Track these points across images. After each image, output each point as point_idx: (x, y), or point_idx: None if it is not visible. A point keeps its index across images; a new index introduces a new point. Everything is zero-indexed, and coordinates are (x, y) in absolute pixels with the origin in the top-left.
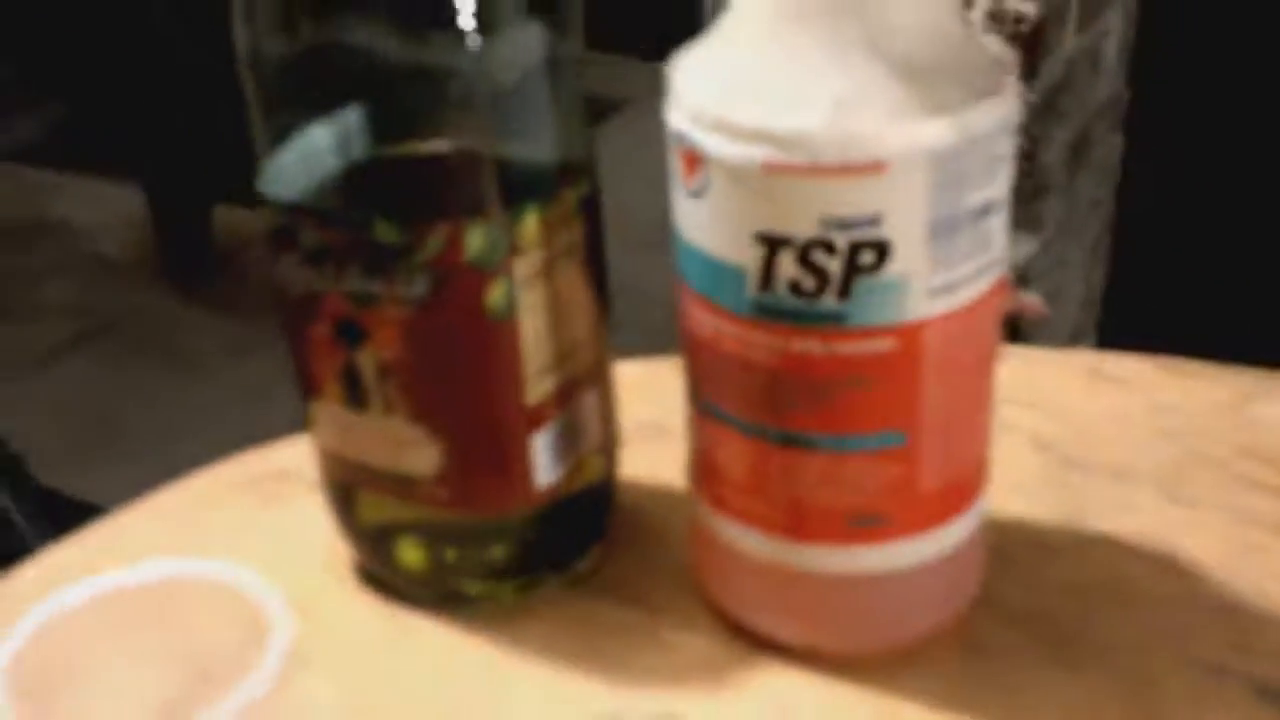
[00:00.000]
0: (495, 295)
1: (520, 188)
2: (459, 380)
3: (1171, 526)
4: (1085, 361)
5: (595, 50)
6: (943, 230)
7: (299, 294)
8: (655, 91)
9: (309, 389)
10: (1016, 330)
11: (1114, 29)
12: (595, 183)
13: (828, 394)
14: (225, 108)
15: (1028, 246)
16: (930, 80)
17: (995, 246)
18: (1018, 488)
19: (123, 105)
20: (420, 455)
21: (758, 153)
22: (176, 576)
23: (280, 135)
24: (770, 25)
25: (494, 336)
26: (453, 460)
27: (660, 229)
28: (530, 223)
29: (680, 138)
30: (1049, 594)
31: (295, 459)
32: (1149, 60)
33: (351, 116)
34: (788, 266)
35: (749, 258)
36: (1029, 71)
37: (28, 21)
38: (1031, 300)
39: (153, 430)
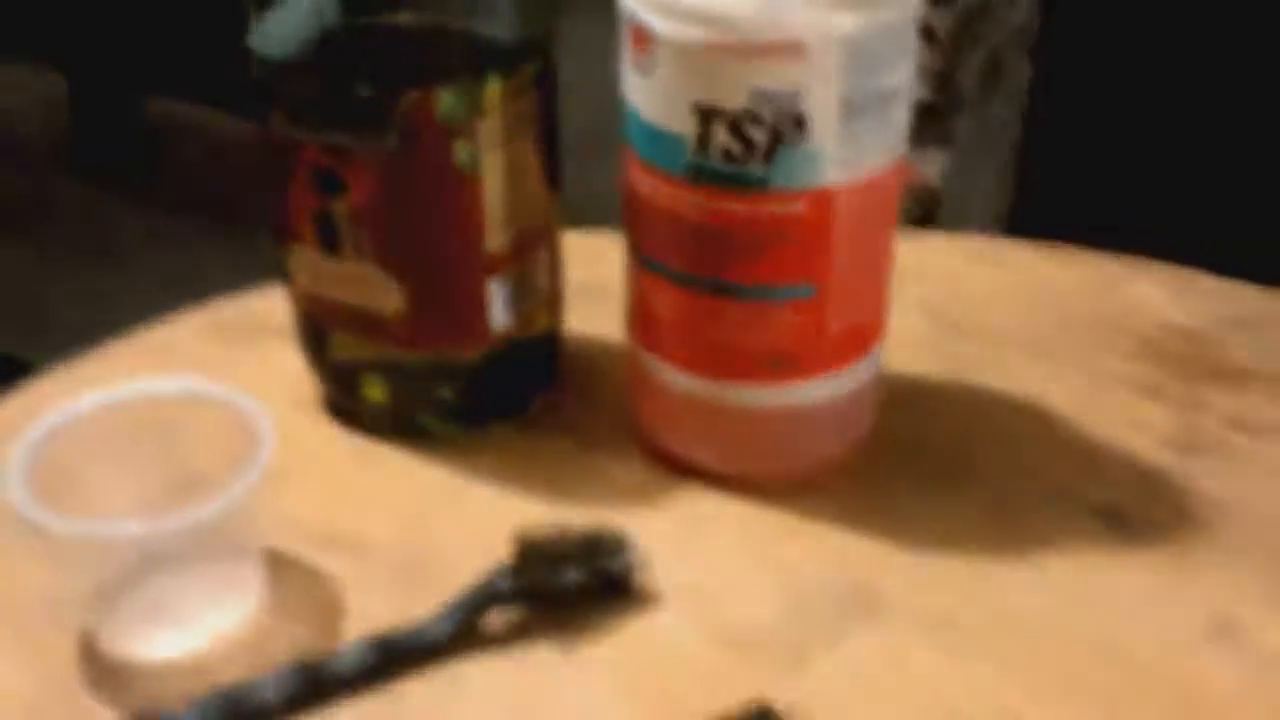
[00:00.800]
0: (462, 151)
1: (486, 59)
2: (426, 227)
3: (1037, 381)
4: (974, 245)
5: None
6: (853, 108)
7: (282, 146)
8: (585, 12)
9: (287, 235)
10: (927, 217)
11: None
12: (552, 61)
13: (751, 249)
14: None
15: (940, 162)
16: None
17: (897, 128)
18: (908, 347)
19: None
20: (387, 297)
21: (700, 33)
22: (173, 392)
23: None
24: None
25: (460, 188)
26: (416, 301)
27: (589, 143)
28: (493, 90)
29: (632, 17)
30: (930, 434)
31: (262, 308)
32: None
33: None
34: (720, 135)
35: (688, 126)
36: None
37: None
38: (923, 174)
39: (73, 317)
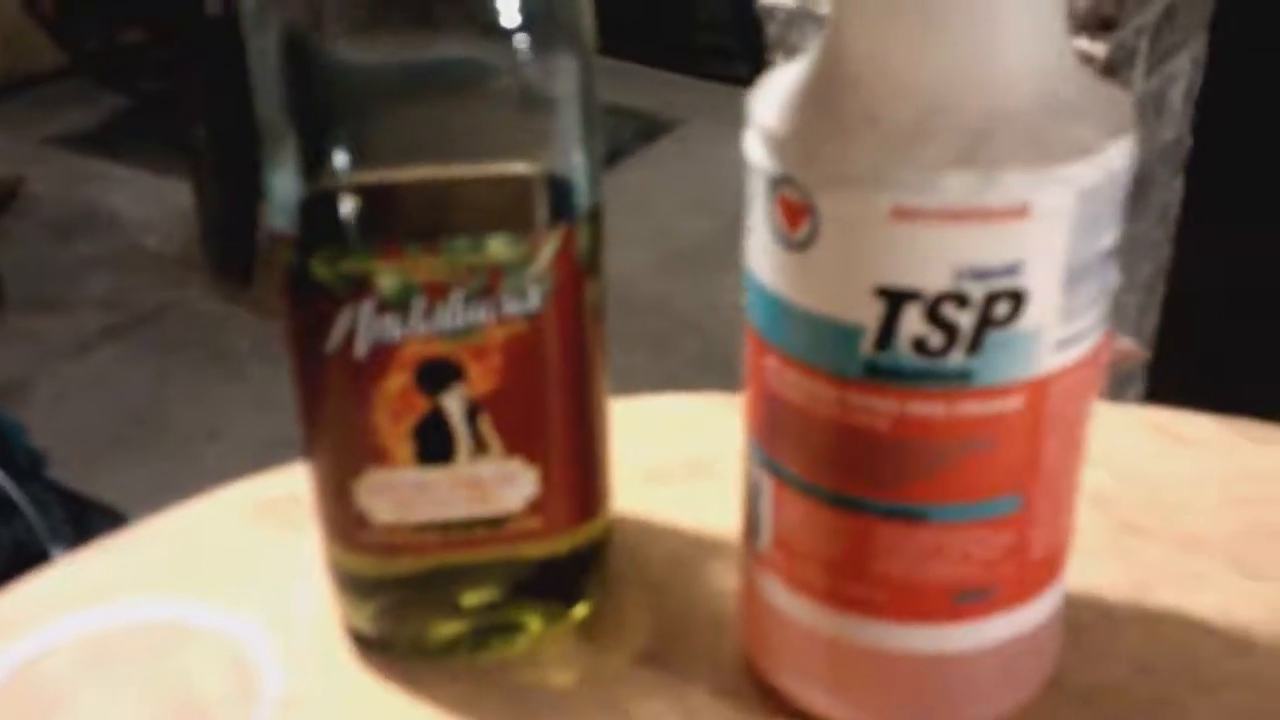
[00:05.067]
0: (593, 293)
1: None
2: (564, 392)
3: (1244, 602)
4: (1151, 419)
5: (649, 66)
6: (1076, 277)
7: (354, 363)
8: (706, 111)
9: (359, 463)
10: None
11: (1182, 74)
12: None
13: (944, 460)
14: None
15: None
16: (1069, 118)
17: (1110, 293)
18: (1080, 553)
19: (181, 100)
20: (514, 490)
21: (883, 198)
22: (167, 618)
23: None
24: (876, 53)
25: (591, 339)
26: (550, 484)
27: (699, 251)
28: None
29: (776, 181)
30: (1117, 671)
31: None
32: (1215, 106)
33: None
34: (913, 323)
35: (866, 315)
36: None
37: None
38: (1128, 345)
39: (183, 427)
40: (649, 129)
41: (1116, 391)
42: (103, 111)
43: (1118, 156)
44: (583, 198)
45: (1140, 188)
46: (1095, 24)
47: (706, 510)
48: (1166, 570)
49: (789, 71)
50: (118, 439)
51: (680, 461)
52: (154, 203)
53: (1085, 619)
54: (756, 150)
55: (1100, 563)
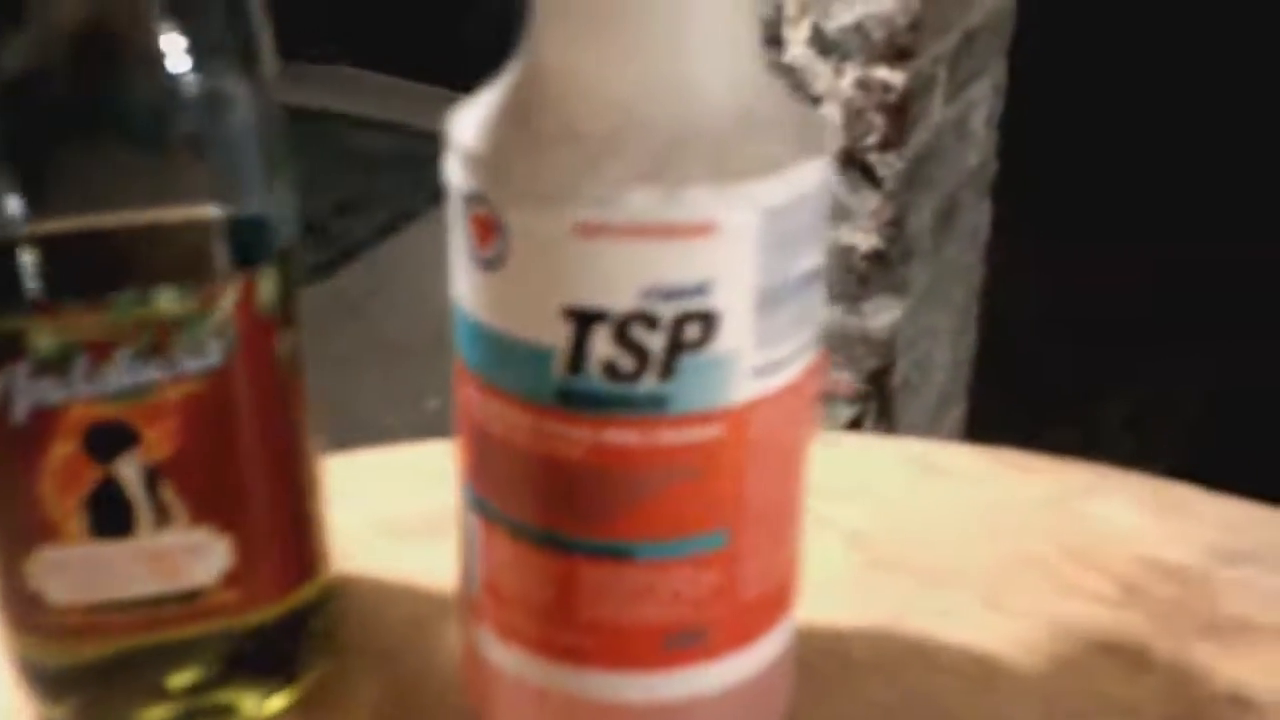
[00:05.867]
0: (284, 344)
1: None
2: (257, 451)
3: (991, 638)
4: (911, 452)
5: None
6: (770, 300)
7: (26, 414)
8: None
9: (29, 541)
10: (884, 395)
11: (983, 99)
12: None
13: (644, 493)
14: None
15: (894, 312)
16: (757, 134)
17: (816, 320)
18: (824, 591)
19: None
20: (207, 561)
21: (567, 213)
22: None
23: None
24: (569, 69)
25: (285, 395)
26: (248, 552)
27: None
28: (288, 266)
29: (469, 199)
30: (855, 715)
31: None
32: (1017, 130)
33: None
34: (602, 345)
35: (556, 337)
36: (897, 139)
37: None
38: (842, 379)
39: None
40: None
41: (938, 413)
42: None
43: (809, 176)
44: (267, 242)
45: (948, 212)
46: (892, 54)
47: (448, 567)
48: (914, 606)
49: (490, 90)
50: None
51: (420, 515)
52: None
53: (824, 660)
54: (453, 169)
55: (844, 600)
